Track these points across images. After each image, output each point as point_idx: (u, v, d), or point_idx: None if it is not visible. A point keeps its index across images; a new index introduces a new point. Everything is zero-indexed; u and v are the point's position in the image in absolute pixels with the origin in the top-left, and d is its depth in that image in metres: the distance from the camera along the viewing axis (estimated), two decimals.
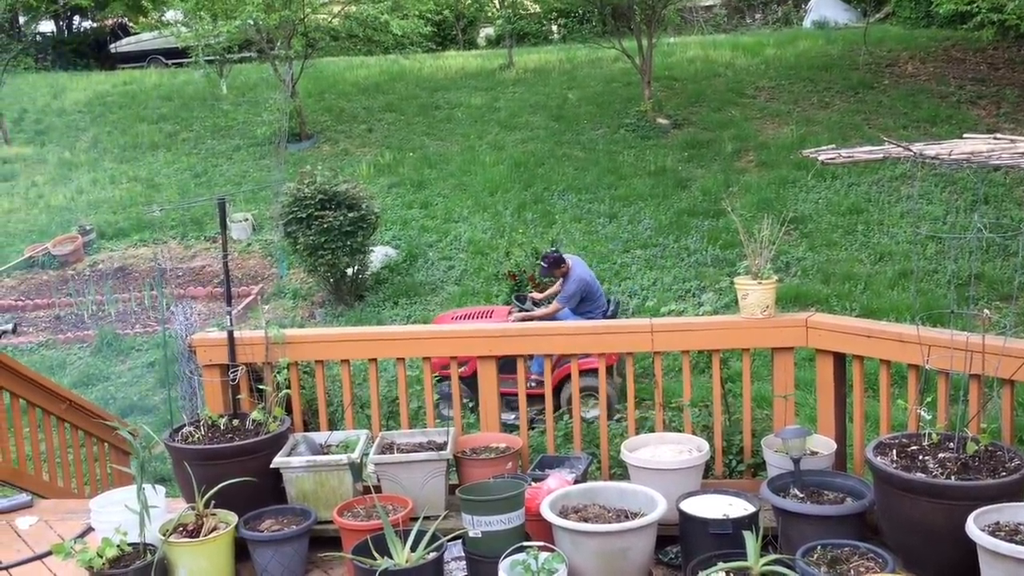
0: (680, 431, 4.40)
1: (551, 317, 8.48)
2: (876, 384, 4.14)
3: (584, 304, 8.63)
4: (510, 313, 8.86)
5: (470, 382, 5.77)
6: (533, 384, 7.26)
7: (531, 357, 6.08)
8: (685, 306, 8.72)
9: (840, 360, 4.08)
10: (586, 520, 3.51)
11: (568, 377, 7.49)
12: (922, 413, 3.57)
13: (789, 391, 4.16)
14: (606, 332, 4.42)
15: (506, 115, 17.13)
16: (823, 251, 11.29)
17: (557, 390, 7.85)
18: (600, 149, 15.10)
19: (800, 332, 4.08)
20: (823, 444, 3.96)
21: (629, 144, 15.18)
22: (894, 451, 3.41)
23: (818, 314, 4.22)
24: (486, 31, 28.00)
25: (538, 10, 24.24)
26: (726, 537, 3.39)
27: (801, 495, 3.58)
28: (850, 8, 23.16)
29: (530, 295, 9.20)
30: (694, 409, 4.91)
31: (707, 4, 26.08)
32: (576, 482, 3.88)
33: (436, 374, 4.86)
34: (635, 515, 3.56)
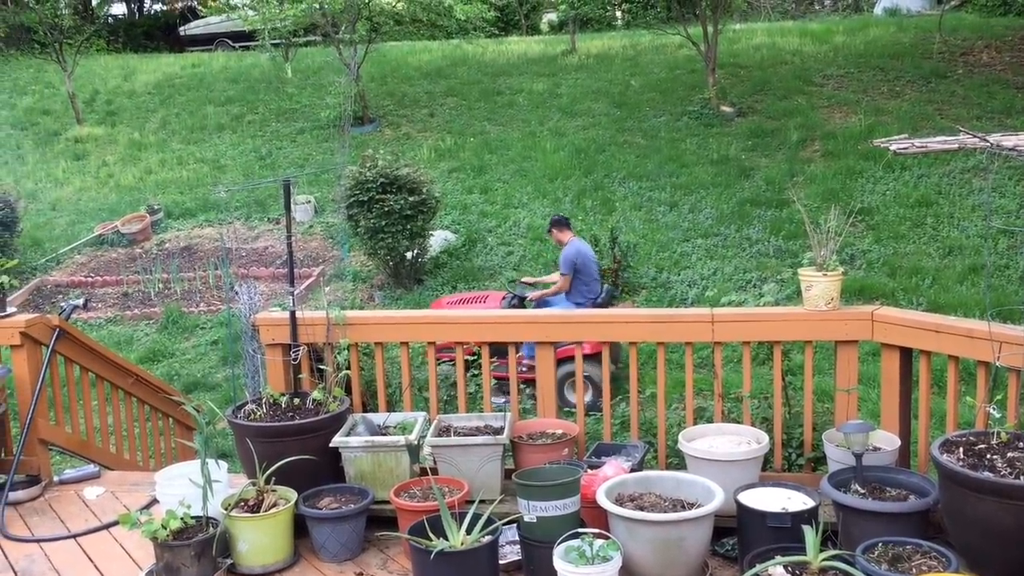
0: (739, 422, 4.36)
1: (561, 292, 8.79)
2: (943, 380, 4.05)
3: (577, 279, 8.75)
4: (504, 298, 8.91)
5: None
6: (524, 369, 7.29)
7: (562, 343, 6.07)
8: (745, 297, 8.61)
9: (906, 355, 3.99)
10: (642, 509, 3.50)
11: (562, 362, 7.48)
12: (991, 411, 3.48)
13: (852, 385, 4.09)
14: (668, 321, 4.38)
15: (568, 101, 17.05)
16: (890, 244, 11.04)
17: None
18: (662, 136, 14.96)
19: (866, 326, 4.00)
20: (886, 440, 3.89)
21: (692, 132, 15.01)
22: (961, 449, 3.32)
23: (885, 308, 4.14)
24: (549, 16, 27.91)
25: None
26: (784, 531, 3.36)
27: (863, 491, 3.51)
28: None
29: (521, 280, 9.41)
30: (754, 401, 4.85)
31: None
32: (632, 470, 3.87)
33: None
34: (692, 505, 3.54)
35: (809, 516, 3.39)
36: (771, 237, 11.45)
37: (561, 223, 9.24)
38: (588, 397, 8.11)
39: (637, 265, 11.01)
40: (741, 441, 3.98)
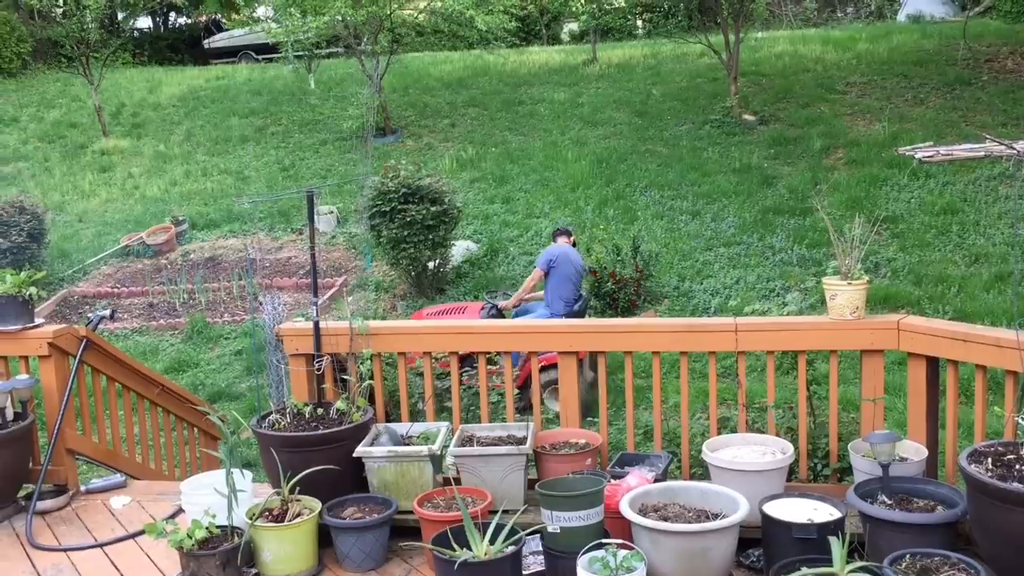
0: (763, 432, 4.33)
1: (548, 307, 8.78)
2: (970, 390, 4.01)
3: (550, 278, 8.77)
4: (483, 308, 8.93)
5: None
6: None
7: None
8: (769, 306, 8.60)
9: (933, 364, 3.96)
10: (666, 519, 3.49)
11: (544, 369, 7.45)
12: (1020, 421, 3.44)
13: (878, 395, 4.06)
14: (691, 330, 4.37)
15: (589, 111, 17.06)
16: (915, 252, 10.95)
17: (524, 386, 7.82)
18: (684, 145, 14.93)
19: (891, 335, 3.97)
20: (913, 450, 3.85)
21: (714, 140, 14.97)
22: (989, 459, 3.29)
23: (911, 316, 4.11)
24: (570, 26, 27.96)
25: (623, 5, 24.06)
26: (810, 542, 3.33)
27: (889, 502, 3.48)
28: (947, 2, 22.42)
29: (497, 290, 9.59)
30: (778, 411, 4.83)
31: None
32: (656, 481, 3.85)
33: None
34: (716, 516, 3.52)
35: (835, 527, 3.36)
36: (794, 246, 11.39)
37: (563, 232, 9.45)
38: (556, 407, 8.11)
39: (659, 274, 10.98)
40: (766, 451, 3.95)
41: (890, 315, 4.17)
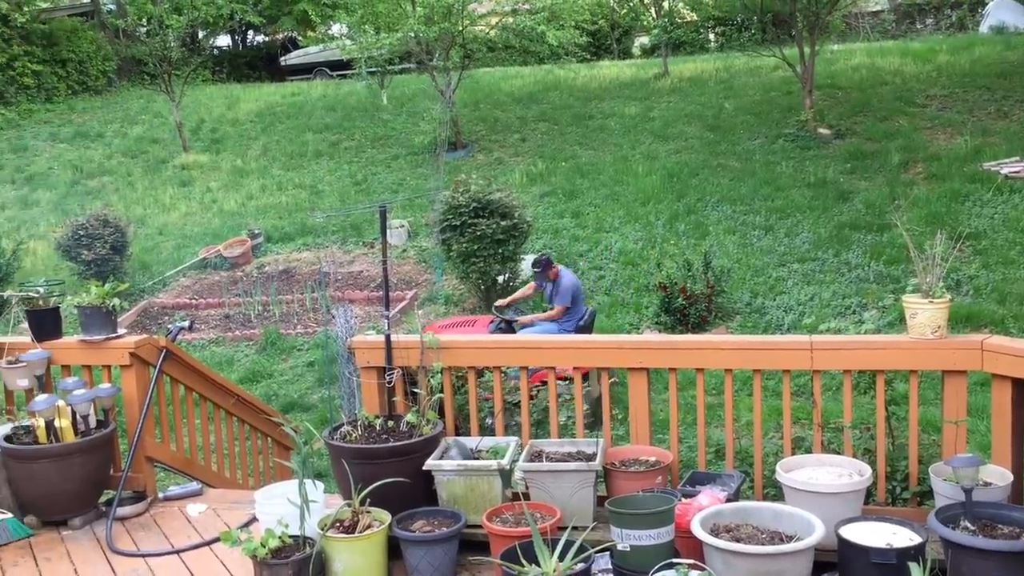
0: (839, 453, 4.23)
1: (554, 319, 8.81)
2: None
3: (572, 307, 8.85)
4: (492, 322, 8.89)
5: None
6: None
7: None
8: (845, 324, 8.41)
9: (1019, 386, 3.82)
10: (738, 540, 3.42)
11: (540, 385, 7.34)
12: None
13: (961, 417, 3.93)
14: (765, 348, 4.29)
15: (660, 125, 16.96)
16: (999, 269, 10.61)
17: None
18: (757, 160, 14.73)
19: (975, 355, 3.85)
20: (998, 475, 3.72)
21: (788, 155, 14.75)
22: None
23: (995, 336, 3.97)
24: (641, 40, 27.86)
25: (695, 18, 23.92)
26: (889, 567, 3.24)
27: (973, 528, 3.37)
28: None
29: (497, 303, 9.41)
30: (855, 431, 4.70)
31: (874, 10, 25.08)
32: (728, 500, 3.79)
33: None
34: (790, 538, 3.44)
35: (915, 553, 3.27)
36: (871, 262, 11.13)
37: (549, 265, 8.98)
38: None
39: (731, 290, 10.84)
40: (842, 473, 3.86)
41: (973, 335, 4.04)
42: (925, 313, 3.91)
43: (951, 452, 3.87)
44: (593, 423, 6.46)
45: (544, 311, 9.39)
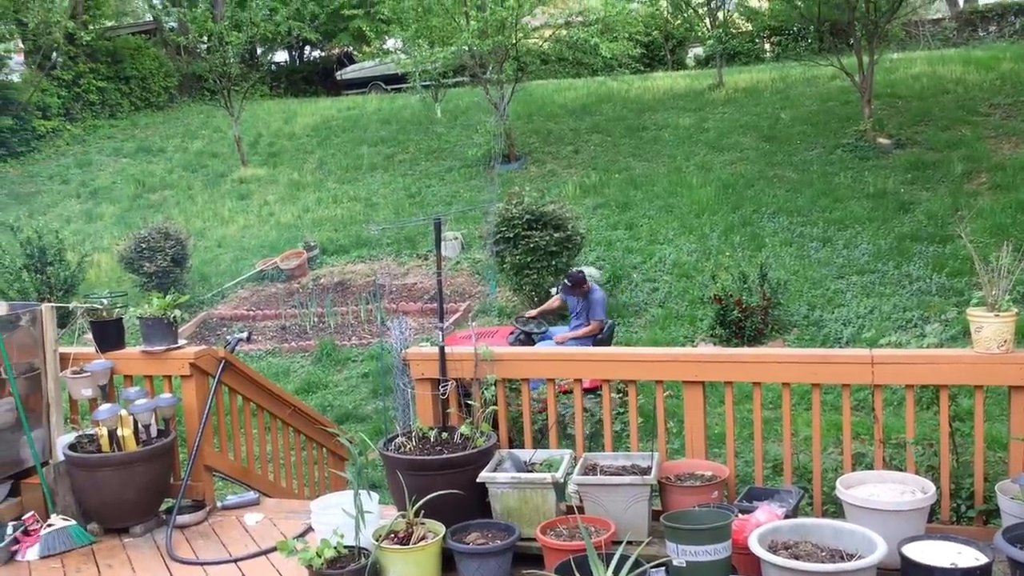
0: (902, 470, 4.13)
1: (593, 335, 8.86)
2: None
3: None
4: (512, 333, 8.85)
5: None
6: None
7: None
8: (907, 337, 8.22)
9: None
10: (797, 557, 3.36)
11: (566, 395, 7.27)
12: None
13: None
14: (824, 361, 4.21)
15: (714, 136, 16.83)
16: None
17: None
18: (814, 170, 14.53)
19: None
20: None
21: (846, 165, 14.52)
22: None
23: None
24: (695, 51, 27.72)
25: (750, 28, 23.73)
26: None
27: None
28: None
29: (522, 315, 9.51)
30: (917, 447, 4.60)
31: (935, 17, 24.63)
32: (786, 517, 3.72)
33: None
34: (851, 556, 3.37)
35: (982, 573, 3.18)
36: (933, 274, 10.89)
37: (582, 282, 9.08)
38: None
39: (788, 303, 10.68)
40: (904, 490, 3.77)
41: None
42: (991, 327, 3.82)
43: (1018, 470, 3.77)
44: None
45: (568, 325, 9.43)
